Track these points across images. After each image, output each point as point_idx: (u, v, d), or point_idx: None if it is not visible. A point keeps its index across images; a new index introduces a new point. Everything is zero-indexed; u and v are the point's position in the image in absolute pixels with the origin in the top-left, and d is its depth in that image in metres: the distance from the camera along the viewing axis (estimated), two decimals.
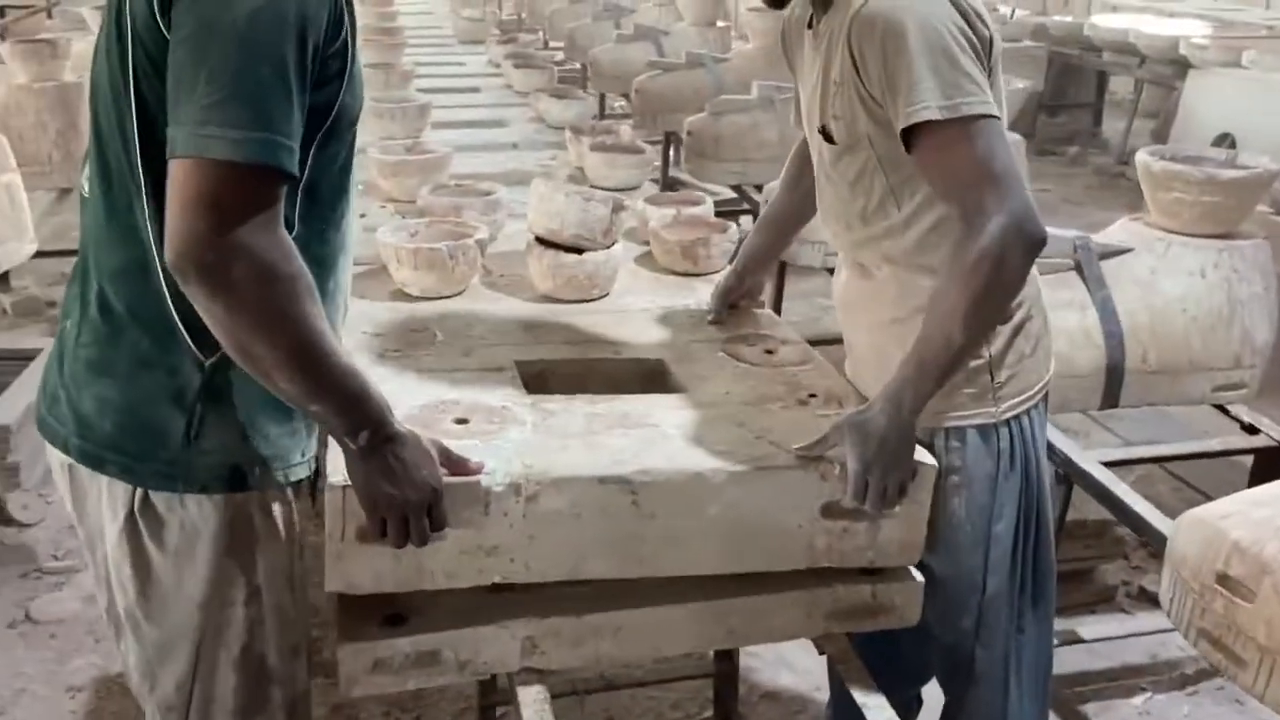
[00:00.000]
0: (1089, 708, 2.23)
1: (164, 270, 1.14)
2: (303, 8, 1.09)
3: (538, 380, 1.66)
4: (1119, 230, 2.31)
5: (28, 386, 3.02)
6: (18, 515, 2.68)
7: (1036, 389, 1.59)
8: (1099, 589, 2.57)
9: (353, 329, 1.74)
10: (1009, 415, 1.54)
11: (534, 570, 1.35)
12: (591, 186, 2.91)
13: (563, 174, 3.06)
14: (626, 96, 5.29)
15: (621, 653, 1.42)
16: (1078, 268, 2.17)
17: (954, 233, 1.39)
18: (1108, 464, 2.03)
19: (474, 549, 1.32)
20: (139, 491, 1.24)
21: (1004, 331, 1.53)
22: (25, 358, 3.23)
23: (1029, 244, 1.36)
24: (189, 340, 1.20)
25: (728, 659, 2.01)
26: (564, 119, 3.56)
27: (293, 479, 1.33)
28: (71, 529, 2.77)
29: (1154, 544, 2.33)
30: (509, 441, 1.40)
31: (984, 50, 1.40)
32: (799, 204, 1.86)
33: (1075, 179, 6.78)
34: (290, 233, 1.16)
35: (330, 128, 1.22)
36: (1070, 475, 2.05)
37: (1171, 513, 2.55)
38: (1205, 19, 7.46)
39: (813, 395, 1.61)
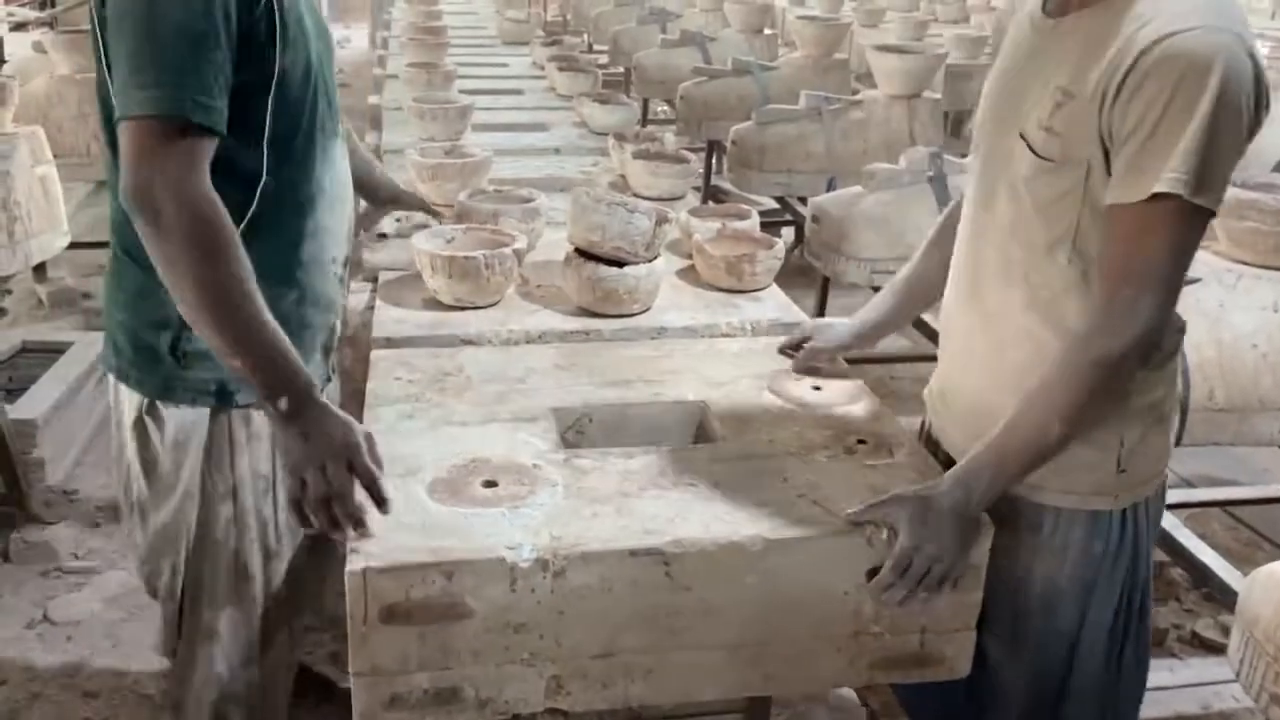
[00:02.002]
0: None
1: None
2: None
3: (575, 429, 1.59)
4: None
5: (56, 380, 3.00)
6: (40, 512, 2.64)
7: (1161, 474, 1.44)
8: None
9: (384, 374, 1.68)
10: (1128, 504, 1.39)
11: (564, 646, 1.27)
12: (633, 195, 2.84)
13: (604, 181, 2.98)
14: (670, 103, 5.22)
15: (652, 696, 1.34)
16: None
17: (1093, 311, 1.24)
18: (1170, 506, 1.92)
19: (501, 626, 1.25)
20: (146, 400, 1.47)
21: (1141, 421, 1.35)
22: (56, 350, 3.21)
23: (1148, 356, 1.25)
24: None
25: (760, 696, 1.92)
26: (607, 124, 3.47)
27: None
28: (94, 527, 2.75)
29: (1215, 592, 2.22)
30: (537, 509, 1.32)
31: (1248, 137, 1.21)
32: (944, 267, 1.56)
33: None
34: (259, 184, 1.38)
35: (280, 87, 1.37)
36: None
37: (1228, 555, 2.45)
38: (1265, 38, 7.25)
39: (861, 441, 1.52)
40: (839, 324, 1.76)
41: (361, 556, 1.22)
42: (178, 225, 1.25)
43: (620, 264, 1.92)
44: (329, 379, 1.66)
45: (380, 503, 1.28)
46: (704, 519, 1.31)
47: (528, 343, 1.90)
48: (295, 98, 1.41)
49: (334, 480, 1.28)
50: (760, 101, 4.68)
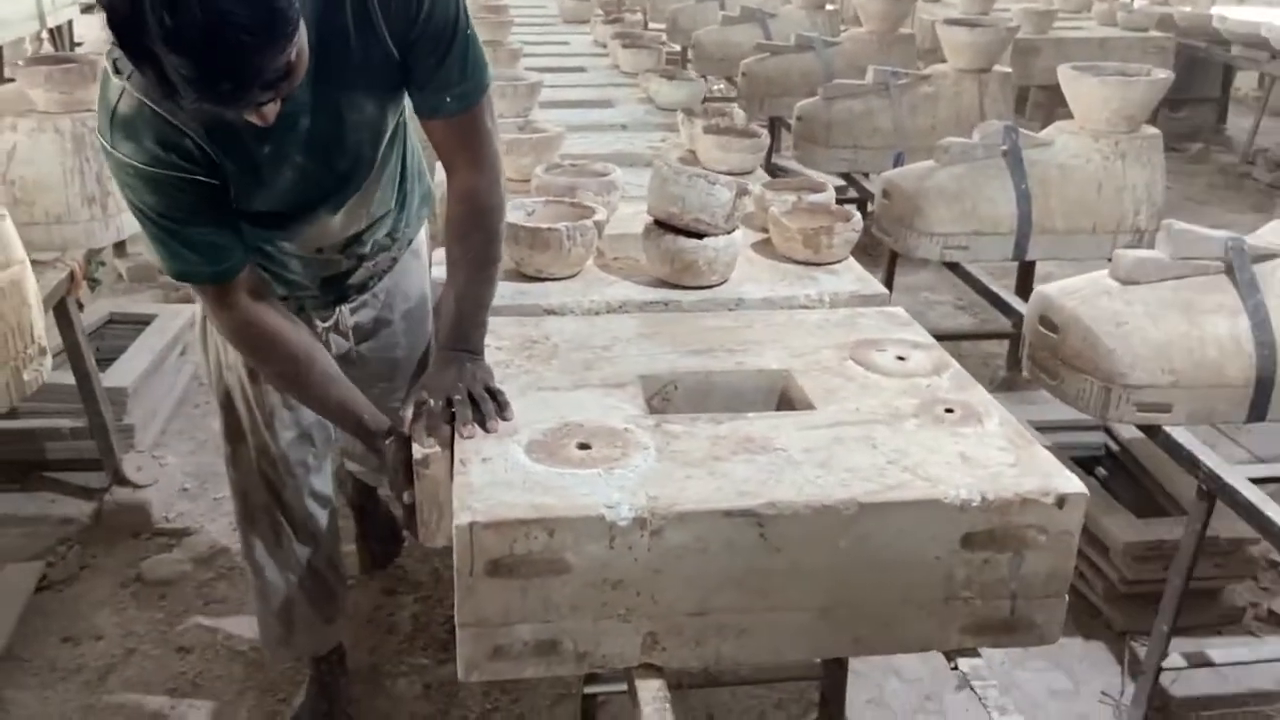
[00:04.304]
0: None
1: None
2: (146, 180, 1.36)
3: (661, 395, 1.62)
4: (1271, 232, 2.17)
5: (144, 350, 3.10)
6: (132, 476, 2.74)
7: None
8: (1226, 610, 2.44)
9: None
10: None
11: (660, 604, 1.31)
12: (703, 169, 2.85)
13: (673, 156, 3.00)
14: (730, 80, 5.21)
15: (742, 655, 1.37)
16: (1229, 270, 2.03)
17: None
18: (1255, 480, 1.91)
19: (599, 582, 1.28)
20: None
21: None
22: (141, 322, 3.31)
23: None
24: None
25: (837, 663, 1.95)
26: (674, 100, 3.49)
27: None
28: (182, 491, 2.85)
29: None
30: (632, 471, 1.35)
31: None
32: None
33: (1198, 177, 6.47)
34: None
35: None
36: (1214, 491, 1.93)
37: None
38: None
39: (949, 410, 1.53)
40: None
41: (468, 511, 1.26)
42: (234, 345, 1.65)
43: (700, 236, 1.95)
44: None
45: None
46: (796, 483, 1.34)
47: (609, 313, 1.93)
48: (270, 204, 1.53)
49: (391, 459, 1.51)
50: (824, 77, 4.65)
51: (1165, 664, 2.05)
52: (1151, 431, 2.06)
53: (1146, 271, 2.06)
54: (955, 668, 1.39)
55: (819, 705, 2.09)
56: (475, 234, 1.57)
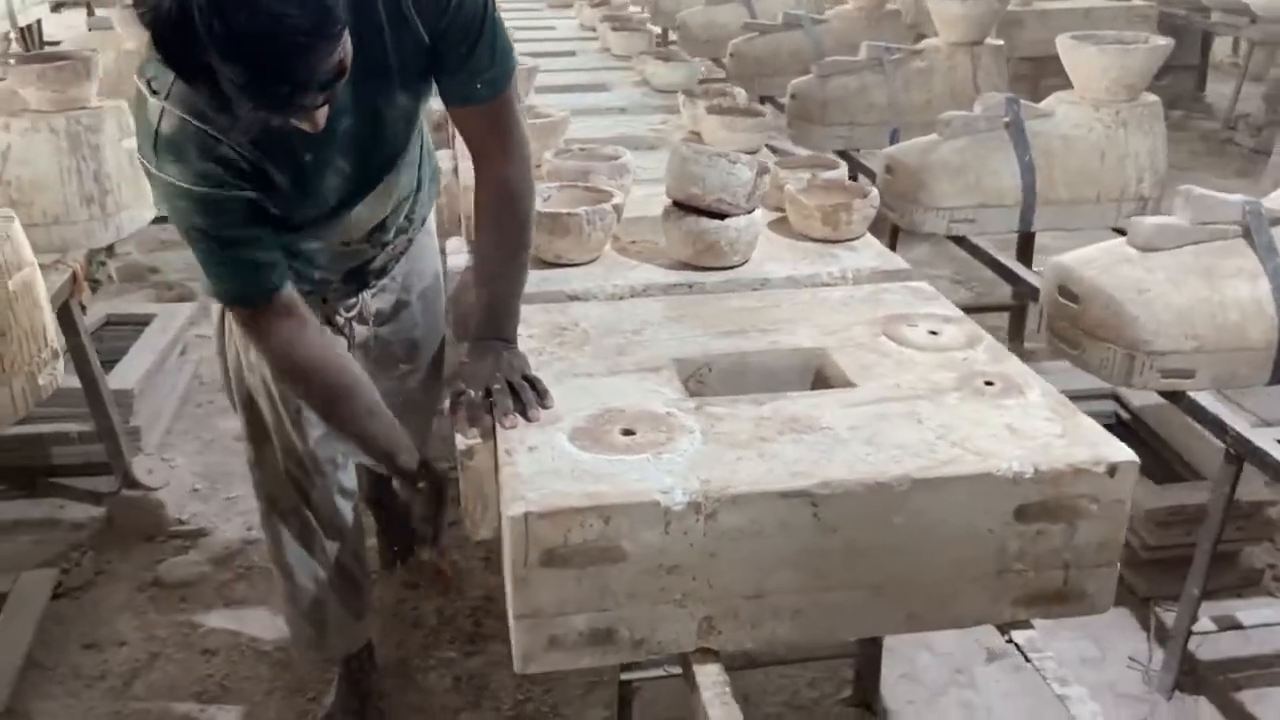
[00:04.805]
0: (1244, 695, 2.13)
1: None
2: (196, 201, 1.34)
3: (695, 378, 1.61)
4: None
5: (146, 350, 3.06)
6: (143, 479, 2.70)
7: None
8: (1244, 572, 2.46)
9: None
10: None
11: (715, 588, 1.30)
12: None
13: (677, 138, 2.98)
14: (716, 61, 5.17)
15: (798, 636, 1.37)
16: (1246, 234, 2.04)
17: None
18: None
19: (654, 568, 1.27)
20: None
21: None
22: (140, 322, 3.27)
23: None
24: None
25: (872, 640, 1.95)
26: (671, 82, 3.46)
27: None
28: (193, 492, 2.81)
29: None
30: (681, 454, 1.34)
31: None
32: None
33: (1180, 144, 6.48)
34: None
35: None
36: (1242, 455, 1.94)
37: None
38: None
39: (989, 383, 1.52)
40: None
41: (520, 502, 1.25)
42: (271, 369, 1.63)
43: (721, 216, 1.93)
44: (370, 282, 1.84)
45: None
46: (847, 461, 1.33)
47: (632, 297, 1.92)
48: (309, 206, 1.51)
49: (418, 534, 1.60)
50: (813, 55, 4.62)
51: (1195, 628, 2.07)
52: (1175, 398, 2.06)
53: (1166, 238, 2.06)
54: (1009, 640, 1.39)
55: (853, 682, 2.10)
56: (508, 221, 1.55)
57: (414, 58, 1.42)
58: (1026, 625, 1.40)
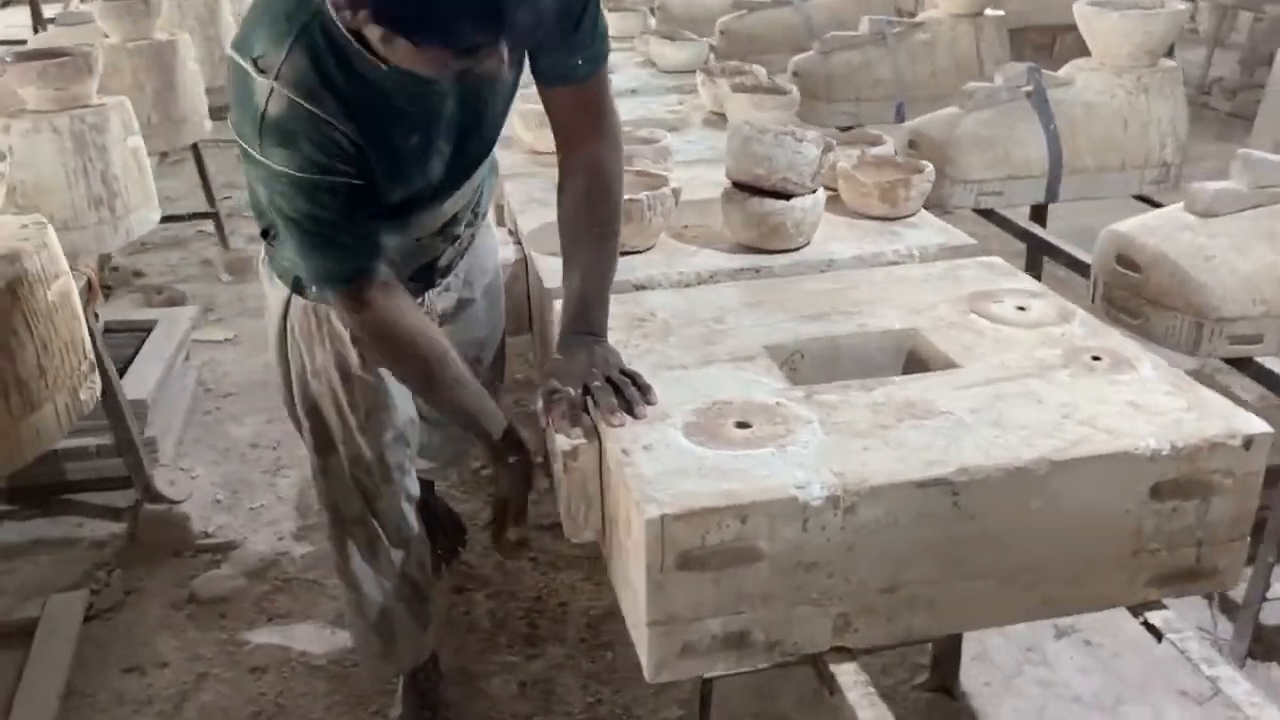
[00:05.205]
0: None
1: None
2: (301, 187, 1.28)
3: (788, 364, 1.55)
4: None
5: (153, 358, 2.94)
6: (166, 491, 2.59)
7: None
8: None
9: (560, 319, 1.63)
10: None
11: (852, 583, 1.25)
12: None
13: (697, 119, 2.92)
14: None
15: (933, 628, 1.33)
16: None
17: None
18: None
19: (791, 567, 1.22)
20: (263, 253, 1.67)
21: None
22: (140, 329, 3.14)
23: None
24: None
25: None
26: (679, 62, 3.40)
27: None
28: (216, 503, 2.71)
29: None
30: (804, 447, 1.29)
31: None
32: None
33: None
34: None
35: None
36: None
37: None
38: None
39: (1096, 358, 1.49)
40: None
41: (654, 504, 1.18)
42: (369, 347, 1.55)
43: (787, 196, 1.87)
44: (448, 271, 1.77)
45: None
46: (978, 446, 1.28)
47: (699, 284, 1.86)
48: (404, 196, 1.45)
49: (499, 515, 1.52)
50: (805, 32, 4.58)
51: (1269, 595, 2.06)
52: (1242, 364, 2.05)
53: (1226, 203, 2.04)
54: (1144, 623, 1.35)
55: (930, 667, 2.06)
56: (601, 206, 1.49)
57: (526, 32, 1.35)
58: (1159, 605, 1.37)
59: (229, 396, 3.31)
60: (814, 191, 1.90)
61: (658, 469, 1.26)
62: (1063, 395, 1.39)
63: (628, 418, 1.36)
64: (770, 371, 1.49)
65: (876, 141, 2.29)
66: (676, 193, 1.96)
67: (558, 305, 1.72)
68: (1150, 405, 1.36)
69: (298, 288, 1.62)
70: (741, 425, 1.34)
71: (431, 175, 1.43)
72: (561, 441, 1.36)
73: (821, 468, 1.25)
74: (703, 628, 1.24)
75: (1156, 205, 2.94)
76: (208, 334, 3.69)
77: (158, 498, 2.58)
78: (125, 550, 2.52)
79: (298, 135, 1.24)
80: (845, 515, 1.22)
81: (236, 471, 2.86)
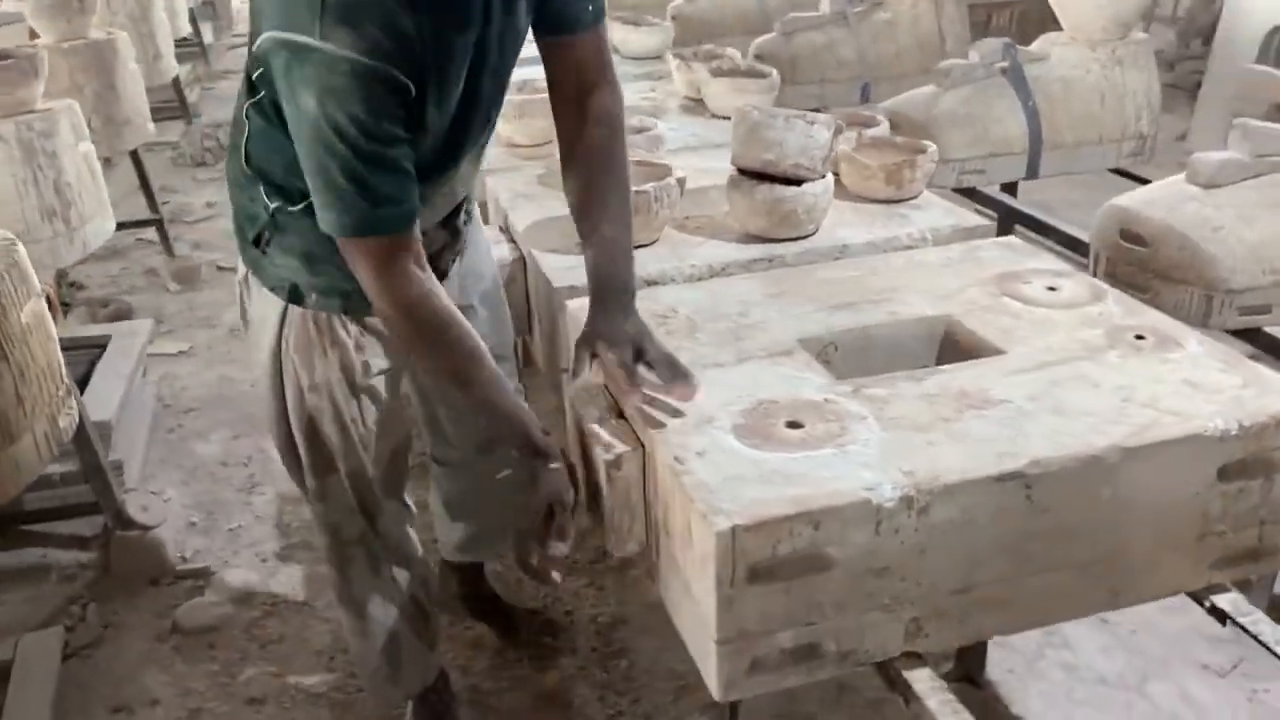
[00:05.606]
0: None
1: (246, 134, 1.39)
2: (360, 79, 1.16)
3: (821, 356, 1.49)
4: None
5: (112, 377, 2.79)
6: (139, 517, 2.45)
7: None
8: None
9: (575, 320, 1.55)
10: None
11: (924, 586, 1.19)
12: (713, 116, 2.70)
13: (673, 105, 2.84)
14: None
15: (1004, 627, 1.28)
16: None
17: None
18: None
19: (863, 572, 1.16)
20: (245, 269, 1.54)
21: None
22: (94, 345, 2.97)
23: None
24: (261, 186, 1.41)
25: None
26: (646, 48, 3.32)
27: (356, 314, 1.50)
28: (191, 526, 2.57)
29: None
30: (865, 445, 1.22)
31: None
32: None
33: None
34: None
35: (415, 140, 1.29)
36: None
37: None
38: None
39: (1140, 337, 1.45)
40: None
41: (723, 516, 1.11)
42: (400, 326, 1.34)
43: (798, 182, 1.81)
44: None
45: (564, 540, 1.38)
46: (1045, 435, 1.23)
47: (712, 277, 1.79)
48: (426, 146, 1.34)
49: (536, 528, 1.37)
50: (759, 14, 4.53)
51: None
52: (1250, 335, 2.04)
53: (1229, 173, 2.03)
54: (1210, 608, 1.32)
55: (955, 658, 2.02)
56: (620, 154, 1.45)
57: None
58: (1223, 589, 1.33)
59: (190, 412, 3.16)
60: (824, 176, 1.84)
61: (717, 476, 1.18)
62: (1117, 378, 1.35)
63: (666, 414, 1.29)
64: (810, 366, 1.43)
65: (871, 123, 2.24)
66: (681, 183, 1.89)
67: (571, 306, 1.64)
68: (1206, 384, 1.33)
69: (294, 297, 1.51)
70: (793, 425, 1.28)
71: (461, 108, 1.34)
72: (607, 450, 1.29)
73: (889, 467, 1.19)
74: (772, 642, 1.17)
75: (1133, 178, 2.95)
76: (161, 347, 3.53)
77: (129, 524, 2.44)
78: (98, 581, 2.38)
79: (365, 15, 1.14)
80: (919, 516, 1.16)
81: (208, 491, 2.72)
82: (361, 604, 1.71)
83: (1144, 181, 2.86)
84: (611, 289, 1.39)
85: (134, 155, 4.09)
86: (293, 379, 1.56)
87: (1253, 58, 4.42)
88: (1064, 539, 1.23)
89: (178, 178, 5.40)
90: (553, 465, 1.36)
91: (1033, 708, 1.97)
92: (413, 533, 1.74)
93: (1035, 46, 3.03)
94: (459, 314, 1.34)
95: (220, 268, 4.30)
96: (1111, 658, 2.06)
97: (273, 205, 1.41)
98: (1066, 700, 1.98)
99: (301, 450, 1.61)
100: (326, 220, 1.26)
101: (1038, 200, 3.08)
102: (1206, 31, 6.25)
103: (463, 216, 1.60)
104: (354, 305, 1.47)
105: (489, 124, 1.46)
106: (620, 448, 1.29)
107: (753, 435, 1.26)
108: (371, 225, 1.25)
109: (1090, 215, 2.74)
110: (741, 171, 1.86)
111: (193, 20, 6.61)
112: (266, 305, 1.52)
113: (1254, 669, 2.02)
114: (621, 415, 1.36)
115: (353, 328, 1.51)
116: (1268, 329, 2.02)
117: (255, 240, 1.48)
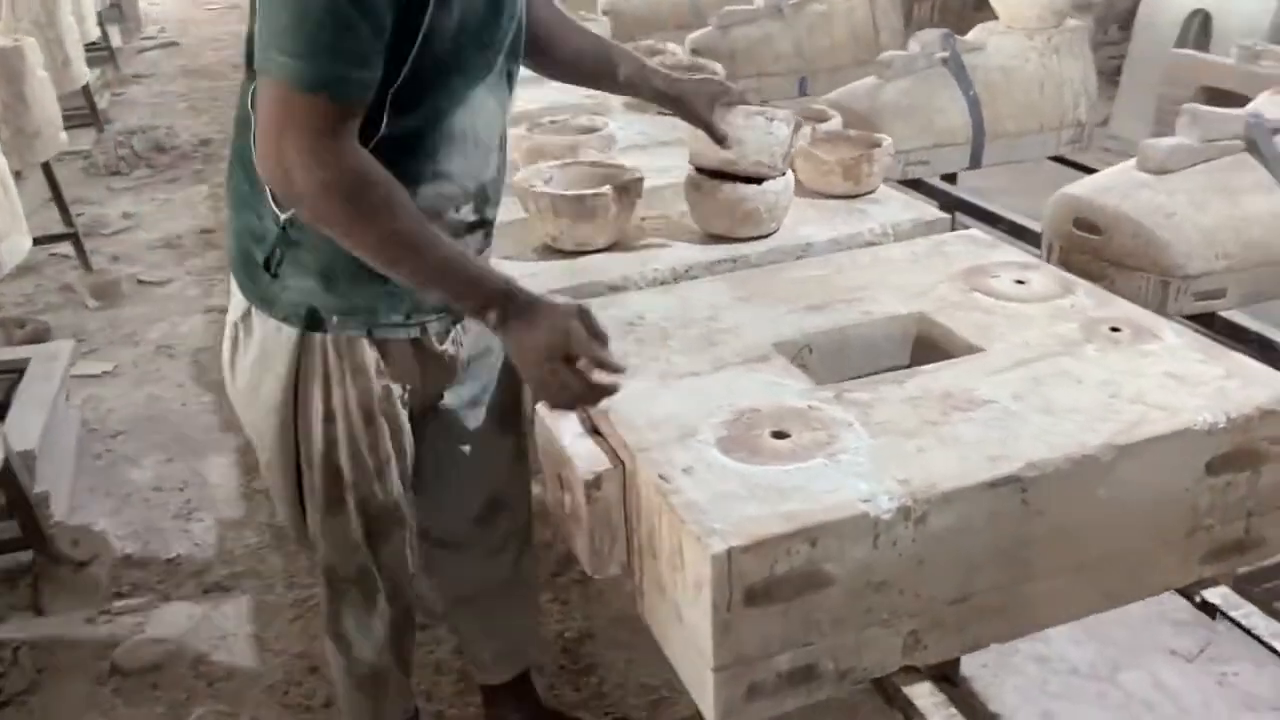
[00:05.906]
0: None
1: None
2: None
3: (797, 360, 1.44)
4: (1270, 104, 2.18)
5: (34, 403, 2.64)
6: (69, 552, 2.31)
7: None
8: None
9: None
10: None
11: (922, 598, 1.16)
12: (659, 113, 2.64)
13: (616, 103, 2.77)
14: None
15: (1002, 635, 1.25)
16: (1251, 148, 2.04)
17: None
18: None
19: (862, 588, 1.12)
20: (246, 305, 1.43)
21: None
22: (11, 370, 2.81)
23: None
24: (269, 194, 1.32)
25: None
26: None
27: (380, 335, 1.41)
28: (126, 559, 2.44)
29: None
30: (854, 454, 1.18)
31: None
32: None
33: None
34: (373, 135, 1.26)
35: (424, 44, 1.24)
36: None
37: None
38: None
39: (1115, 329, 1.43)
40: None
41: (717, 537, 1.06)
42: (311, 192, 1.21)
43: (758, 180, 1.76)
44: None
45: (616, 371, 1.25)
46: (1035, 436, 1.20)
47: (675, 281, 1.73)
48: (439, 51, 1.28)
49: (561, 376, 1.24)
50: (692, 8, 4.49)
51: None
52: (1206, 320, 2.05)
53: (1179, 159, 2.04)
54: (1200, 603, 1.31)
55: None
56: (607, 42, 1.72)
57: None
58: (1214, 584, 1.32)
59: (119, 435, 3.01)
60: (784, 174, 1.79)
61: (706, 494, 1.13)
62: (1099, 372, 1.33)
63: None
64: (788, 371, 1.38)
65: (822, 117, 2.21)
66: (639, 183, 1.82)
67: None
68: (1189, 375, 1.31)
69: (312, 323, 1.39)
70: (778, 435, 1.23)
71: (469, 11, 1.29)
72: (583, 470, 1.22)
73: (883, 476, 1.14)
74: (769, 665, 1.12)
75: (1069, 165, 2.97)
76: (83, 368, 3.36)
77: (60, 559, 2.30)
78: (29, 622, 2.24)
79: None
80: (916, 526, 1.12)
81: (143, 519, 2.58)
82: (350, 644, 1.62)
83: (1082, 168, 2.89)
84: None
85: (45, 166, 3.89)
86: (308, 411, 1.44)
87: (1173, 41, 4.50)
88: (1059, 542, 1.20)
89: (91, 188, 5.17)
90: (543, 309, 1.26)
91: (1009, 702, 1.96)
92: (410, 555, 1.64)
93: (972, 36, 3.04)
94: (396, 181, 1.25)
95: (141, 281, 4.13)
96: (1083, 648, 2.06)
97: (284, 216, 1.33)
98: (1041, 693, 1.97)
99: (313, 485, 1.48)
100: (282, 67, 1.16)
101: (973, 189, 3.10)
102: (1124, 17, 6.38)
103: (496, 209, 1.50)
104: (378, 324, 1.40)
105: (512, 72, 1.45)
106: (599, 466, 1.23)
107: (739, 448, 1.21)
108: (323, 82, 1.17)
109: (1026, 202, 2.75)
110: (700, 170, 1.81)
111: (100, 24, 6.34)
112: (278, 336, 1.41)
113: (1220, 652, 2.04)
114: (598, 432, 1.30)
115: (372, 352, 1.41)
116: (1222, 313, 2.03)
117: (265, 264, 1.37)
